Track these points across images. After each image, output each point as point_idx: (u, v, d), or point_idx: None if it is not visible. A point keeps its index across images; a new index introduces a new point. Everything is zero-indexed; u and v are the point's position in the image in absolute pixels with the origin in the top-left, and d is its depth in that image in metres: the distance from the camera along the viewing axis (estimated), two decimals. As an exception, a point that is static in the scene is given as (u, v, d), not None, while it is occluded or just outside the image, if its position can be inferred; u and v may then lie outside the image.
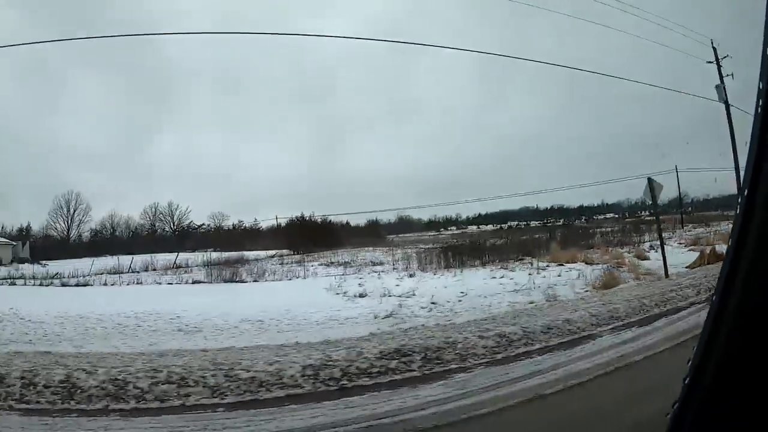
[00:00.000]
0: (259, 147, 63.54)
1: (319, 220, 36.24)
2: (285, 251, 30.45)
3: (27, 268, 28.89)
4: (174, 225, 46.76)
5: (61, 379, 5.39)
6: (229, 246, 34.55)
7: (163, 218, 46.74)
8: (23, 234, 41.50)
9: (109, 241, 41.57)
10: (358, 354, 6.05)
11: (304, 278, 18.95)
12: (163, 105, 61.86)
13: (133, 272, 23.43)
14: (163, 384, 5.31)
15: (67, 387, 5.25)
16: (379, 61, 67.52)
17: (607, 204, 54.11)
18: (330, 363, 5.75)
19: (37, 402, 5.03)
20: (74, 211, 43.00)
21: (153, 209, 46.04)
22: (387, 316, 10.15)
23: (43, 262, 32.79)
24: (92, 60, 57.55)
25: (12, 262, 32.37)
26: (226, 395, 5.11)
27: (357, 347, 6.42)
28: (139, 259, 27.29)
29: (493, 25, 54.70)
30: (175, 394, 5.13)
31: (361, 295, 12.68)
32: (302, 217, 37.36)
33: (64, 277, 22.37)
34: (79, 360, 6.43)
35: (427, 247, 26.94)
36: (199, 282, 18.09)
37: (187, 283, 18.18)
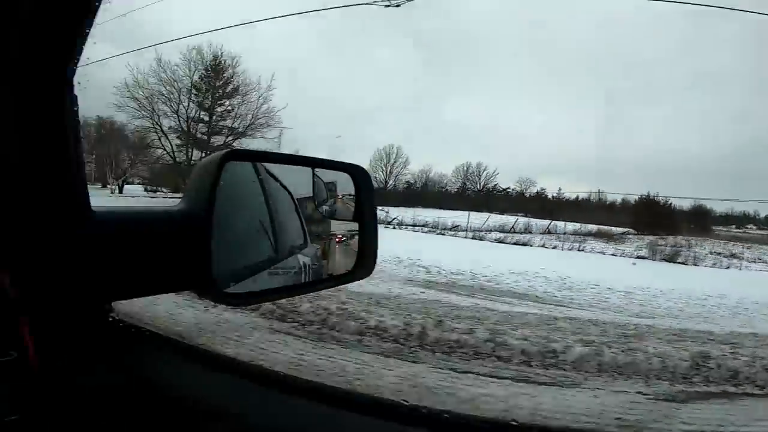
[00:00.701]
0: (550, 115, 64.01)
1: (661, 201, 35.67)
2: (628, 230, 31.60)
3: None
4: (481, 186, 50.58)
5: None
6: (536, 213, 36.87)
7: (470, 178, 50.04)
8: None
9: (420, 193, 47.17)
10: None
11: (740, 269, 19.80)
12: (471, 68, 65.35)
13: (514, 232, 26.97)
14: None
15: None
16: (672, 24, 59.62)
17: None
18: None
19: None
20: (393, 163, 48.79)
21: (465, 168, 49.46)
22: None
23: (385, 208, 39.13)
24: (398, 25, 63.41)
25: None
26: None
27: None
28: (474, 219, 30.82)
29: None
30: None
31: None
32: (648, 196, 36.59)
33: (463, 230, 26.86)
34: None
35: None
36: (643, 258, 20.19)
37: (629, 256, 20.51)
